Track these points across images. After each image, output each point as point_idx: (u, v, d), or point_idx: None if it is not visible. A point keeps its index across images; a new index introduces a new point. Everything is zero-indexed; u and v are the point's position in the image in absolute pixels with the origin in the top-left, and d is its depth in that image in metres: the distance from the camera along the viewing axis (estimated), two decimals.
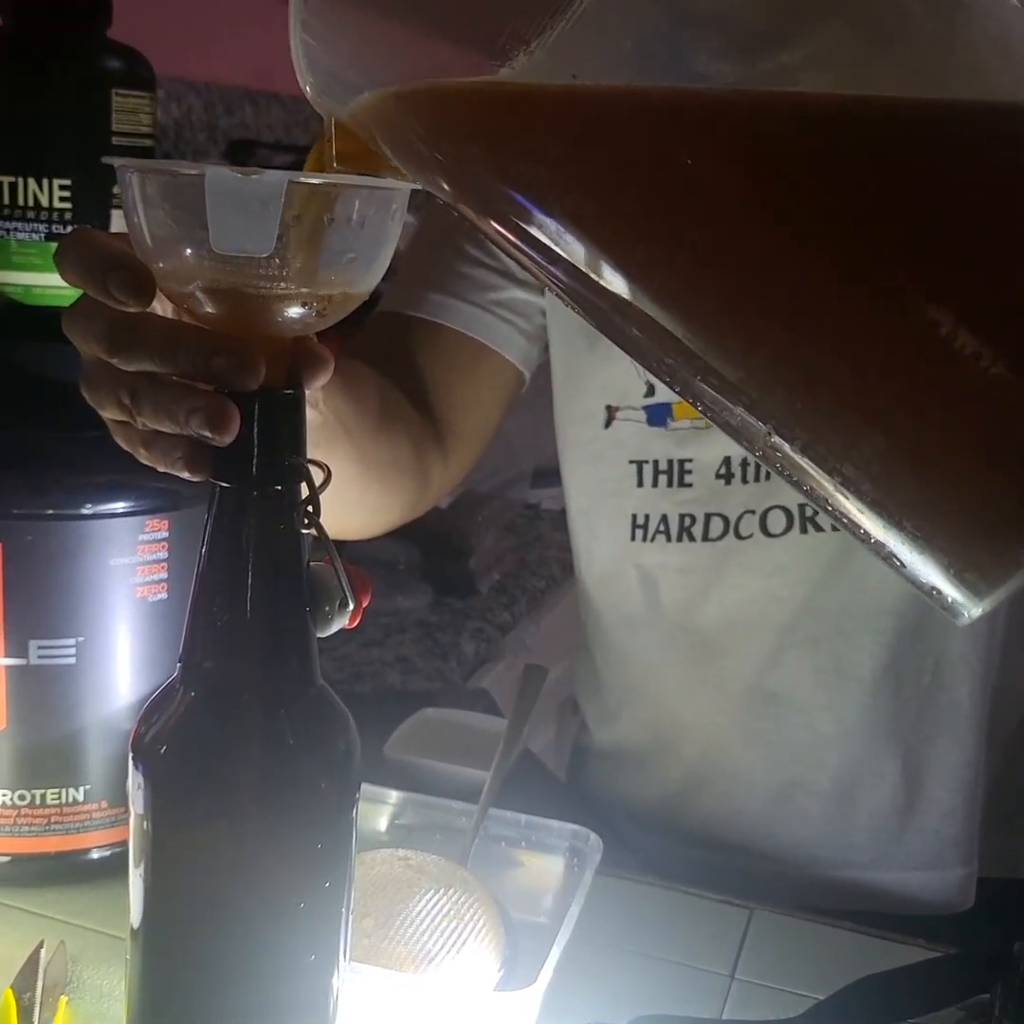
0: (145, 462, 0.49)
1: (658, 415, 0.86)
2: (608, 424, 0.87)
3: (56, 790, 0.69)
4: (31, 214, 0.69)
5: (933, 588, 0.38)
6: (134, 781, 0.47)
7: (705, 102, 0.36)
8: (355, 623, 0.47)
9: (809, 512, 0.83)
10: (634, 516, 0.88)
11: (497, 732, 0.82)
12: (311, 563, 0.47)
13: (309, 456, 0.46)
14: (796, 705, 0.87)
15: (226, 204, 0.42)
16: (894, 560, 0.38)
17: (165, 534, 0.68)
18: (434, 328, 0.87)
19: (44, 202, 0.69)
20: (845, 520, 0.39)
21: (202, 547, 0.46)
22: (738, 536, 0.85)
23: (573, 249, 0.38)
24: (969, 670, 0.85)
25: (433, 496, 0.89)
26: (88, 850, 0.71)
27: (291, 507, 0.46)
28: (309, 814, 0.47)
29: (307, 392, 0.47)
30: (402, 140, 0.41)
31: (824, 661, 0.86)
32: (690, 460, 0.85)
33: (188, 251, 0.43)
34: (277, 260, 0.43)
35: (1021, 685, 0.90)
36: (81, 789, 0.69)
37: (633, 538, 0.88)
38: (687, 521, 0.86)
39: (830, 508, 0.39)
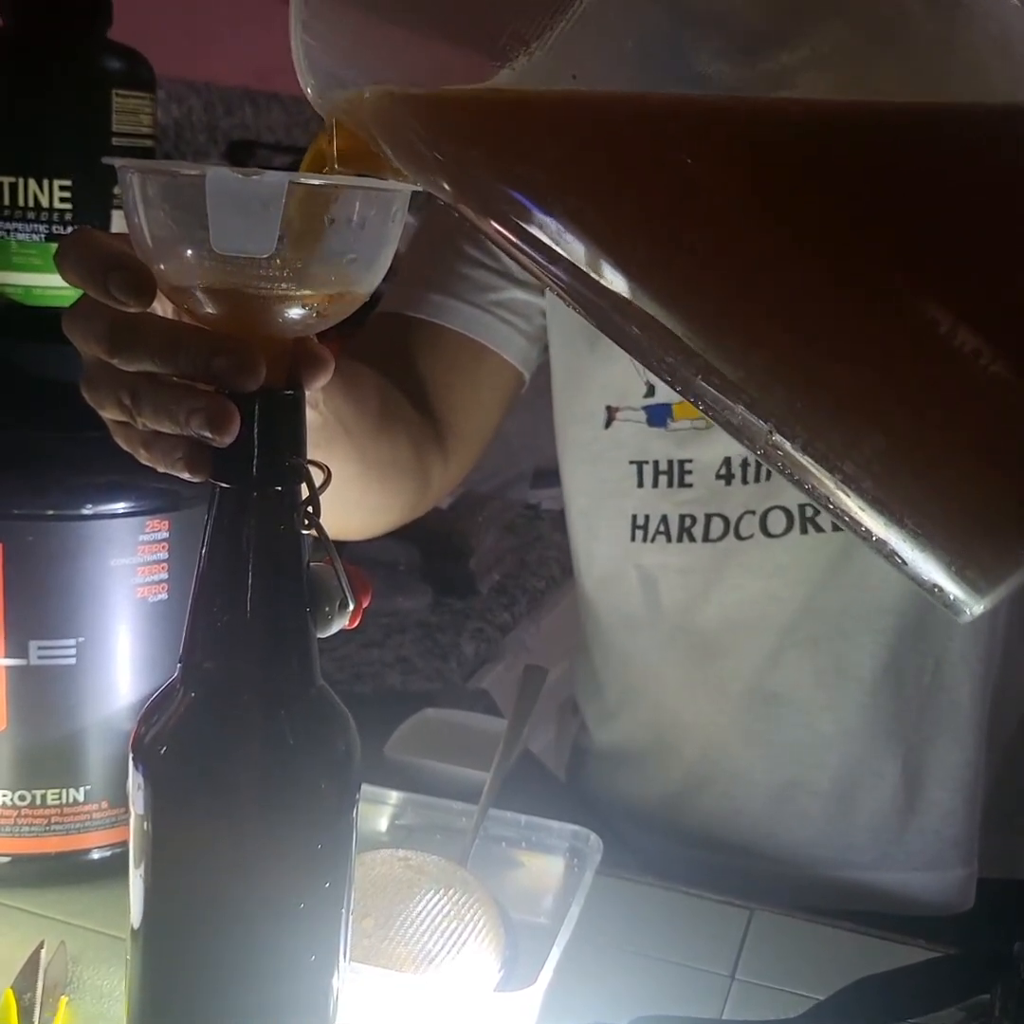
0: (145, 463, 0.49)
1: (658, 415, 0.86)
2: (608, 424, 0.87)
3: (56, 790, 0.69)
4: (31, 215, 0.69)
5: (934, 585, 0.38)
6: (134, 781, 0.47)
7: (702, 109, 0.36)
8: (355, 624, 0.47)
9: (809, 512, 0.83)
10: (634, 516, 0.88)
11: (497, 733, 0.82)
12: (311, 564, 0.47)
13: (309, 457, 0.46)
14: (796, 705, 0.87)
15: (226, 205, 0.42)
16: (895, 558, 0.39)
17: (165, 534, 0.68)
18: (434, 329, 0.87)
19: (44, 203, 0.69)
20: (846, 518, 0.39)
21: (202, 548, 0.46)
22: (738, 536, 0.85)
23: (573, 249, 0.38)
24: (969, 670, 0.85)
25: (433, 496, 0.89)
26: (88, 850, 0.71)
27: (291, 508, 0.46)
28: (309, 815, 0.47)
29: (307, 393, 0.47)
30: (402, 141, 0.41)
31: (824, 661, 0.86)
32: (690, 460, 0.85)
33: (189, 252, 0.43)
34: (277, 261, 0.43)
35: (1021, 685, 0.90)
36: (81, 789, 0.69)
37: (633, 538, 0.88)
38: (687, 521, 0.86)
39: (831, 506, 0.39)
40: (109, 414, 0.49)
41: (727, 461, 0.84)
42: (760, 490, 0.84)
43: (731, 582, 0.86)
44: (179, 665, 0.47)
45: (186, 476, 0.47)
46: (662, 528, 0.87)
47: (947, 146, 0.36)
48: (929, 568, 0.38)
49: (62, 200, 0.69)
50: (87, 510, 0.66)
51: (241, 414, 0.44)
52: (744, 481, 0.84)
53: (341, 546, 0.47)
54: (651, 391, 0.85)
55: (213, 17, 1.68)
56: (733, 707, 0.89)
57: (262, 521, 0.45)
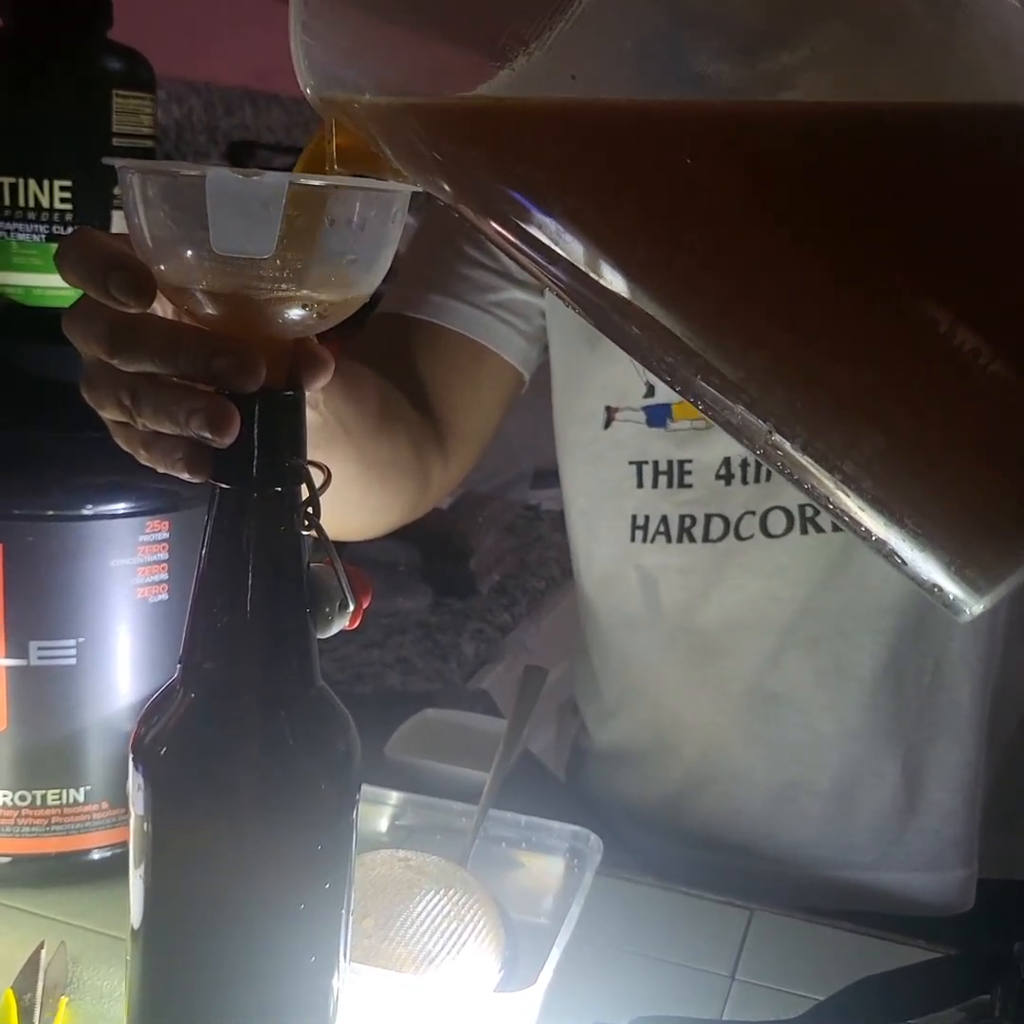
0: (145, 463, 0.49)
1: (658, 416, 0.86)
2: (608, 425, 0.87)
3: (57, 791, 0.69)
4: (32, 215, 0.69)
5: (934, 585, 0.38)
6: (134, 782, 0.47)
7: (702, 109, 0.36)
8: (355, 624, 0.47)
9: (810, 513, 0.83)
10: (634, 517, 0.88)
11: (497, 733, 0.82)
12: (311, 564, 0.47)
13: (309, 457, 0.46)
14: (796, 705, 0.87)
15: (227, 205, 0.42)
16: (895, 557, 0.39)
17: (165, 535, 0.68)
18: (434, 329, 0.87)
19: (45, 203, 0.69)
20: (846, 518, 0.39)
21: (202, 548, 0.46)
22: (738, 537, 0.85)
23: (573, 249, 0.38)
24: (969, 670, 0.85)
25: (433, 497, 0.89)
26: (88, 851, 0.71)
27: (291, 508, 0.46)
28: (309, 815, 0.47)
29: (307, 393, 0.47)
30: (402, 141, 0.41)
31: (824, 661, 0.86)
32: (690, 461, 0.85)
33: (189, 252, 0.43)
34: (277, 262, 0.43)
35: (1021, 685, 0.90)
36: (81, 790, 0.69)
37: (633, 539, 0.88)
38: (687, 522, 0.86)
39: (831, 506, 0.39)
40: (109, 414, 0.49)
41: (727, 461, 0.84)
42: (760, 490, 0.84)
43: (731, 582, 0.86)
44: (179, 666, 0.47)
45: (186, 477, 0.47)
46: (662, 528, 0.87)
47: (947, 146, 0.36)
48: (929, 568, 0.38)
49: (62, 200, 0.69)
50: (87, 510, 0.66)
51: (241, 415, 0.44)
52: (744, 481, 0.84)
53: (341, 547, 0.47)
54: (651, 391, 0.85)
55: (213, 17, 1.68)
56: (733, 707, 0.89)
57: (262, 522, 0.45)
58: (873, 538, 0.39)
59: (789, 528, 0.84)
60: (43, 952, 0.63)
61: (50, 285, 0.70)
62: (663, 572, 0.89)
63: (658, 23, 0.38)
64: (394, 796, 0.74)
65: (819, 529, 0.83)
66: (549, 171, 0.38)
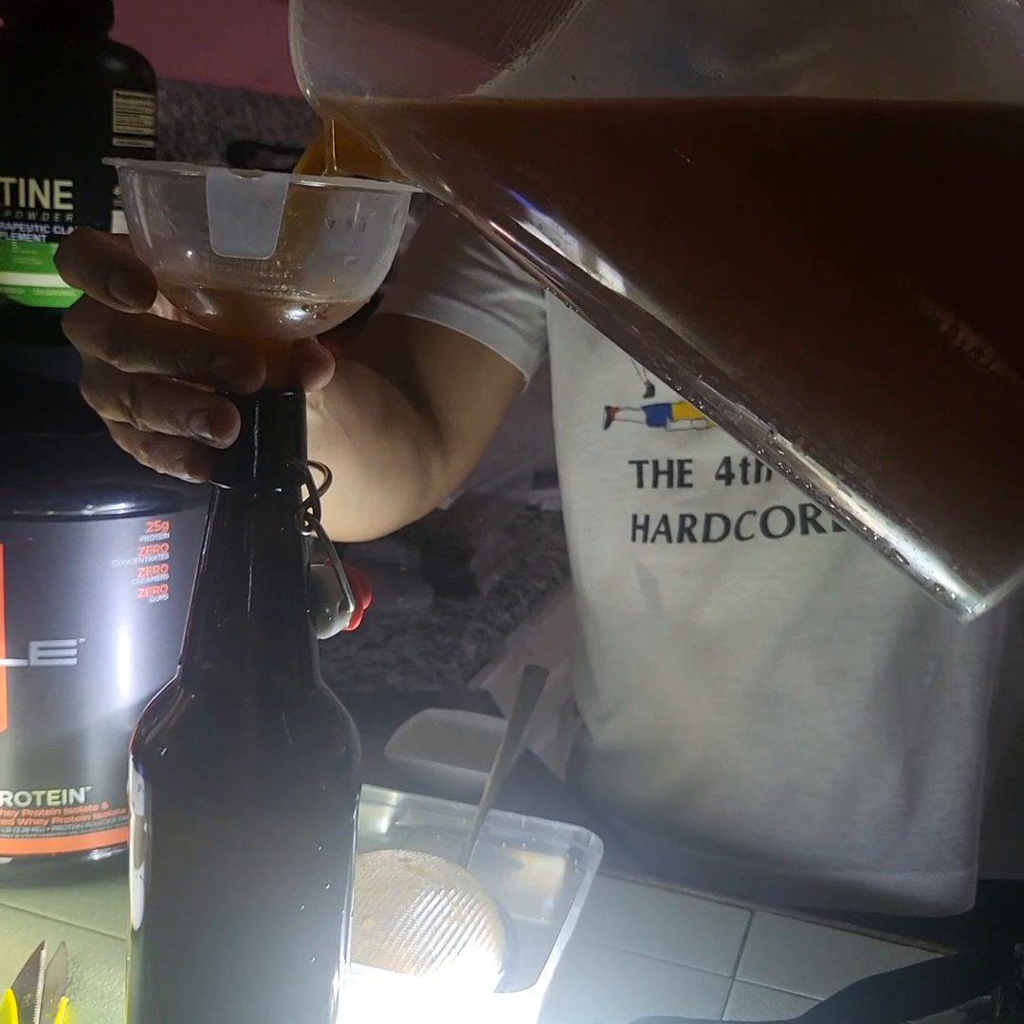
0: (145, 464, 0.49)
1: (657, 415, 0.86)
2: (608, 425, 0.87)
3: (57, 791, 0.69)
4: (32, 215, 0.69)
5: (936, 585, 0.38)
6: (135, 782, 0.47)
7: (703, 109, 0.36)
8: (356, 625, 0.47)
9: (810, 513, 0.83)
10: (634, 517, 0.88)
11: (498, 733, 0.82)
12: (312, 565, 0.47)
13: (310, 458, 0.46)
14: (797, 706, 0.87)
15: (227, 206, 0.42)
16: (897, 557, 0.39)
17: (166, 535, 0.68)
18: (434, 330, 0.87)
19: (45, 203, 0.69)
20: (848, 517, 0.39)
21: (203, 549, 0.46)
22: (739, 537, 0.85)
23: (574, 249, 0.38)
24: (971, 671, 0.85)
25: (434, 498, 0.89)
26: (89, 851, 0.71)
27: (292, 509, 0.46)
28: (310, 816, 0.47)
29: (308, 394, 0.47)
30: (402, 141, 0.41)
31: (825, 662, 0.86)
32: (690, 461, 0.85)
33: (189, 253, 0.43)
34: (278, 263, 0.43)
35: (1022, 686, 0.90)
36: (82, 790, 0.69)
37: (633, 539, 0.88)
38: (688, 522, 0.86)
39: (832, 506, 0.39)
40: (109, 415, 0.49)
41: (727, 461, 0.84)
42: (760, 490, 0.84)
43: (732, 582, 0.86)
44: (179, 666, 0.47)
45: (186, 477, 0.47)
46: (662, 528, 0.87)
47: (947, 145, 0.36)
48: (931, 567, 0.38)
49: (63, 201, 0.70)
50: (88, 511, 0.66)
51: (241, 415, 0.44)
52: (744, 481, 0.84)
53: (342, 547, 0.47)
54: (651, 391, 0.85)
55: (214, 18, 1.68)
56: (734, 708, 0.89)
57: (263, 522, 0.45)
58: (875, 538, 0.39)
59: (790, 528, 0.84)
60: (43, 953, 0.63)
61: (50, 285, 0.70)
62: (664, 572, 0.89)
63: (658, 23, 0.38)
64: (394, 796, 0.74)
65: (820, 529, 0.83)
66: (550, 170, 0.38)
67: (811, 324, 0.36)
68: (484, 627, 1.51)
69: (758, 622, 0.87)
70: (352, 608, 0.47)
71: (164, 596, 0.69)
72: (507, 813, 0.72)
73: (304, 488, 0.46)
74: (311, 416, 0.47)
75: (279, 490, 0.45)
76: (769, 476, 0.83)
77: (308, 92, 0.42)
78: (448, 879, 0.66)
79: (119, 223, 0.70)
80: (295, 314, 0.45)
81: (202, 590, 0.46)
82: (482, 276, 0.87)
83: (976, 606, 0.38)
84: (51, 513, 0.66)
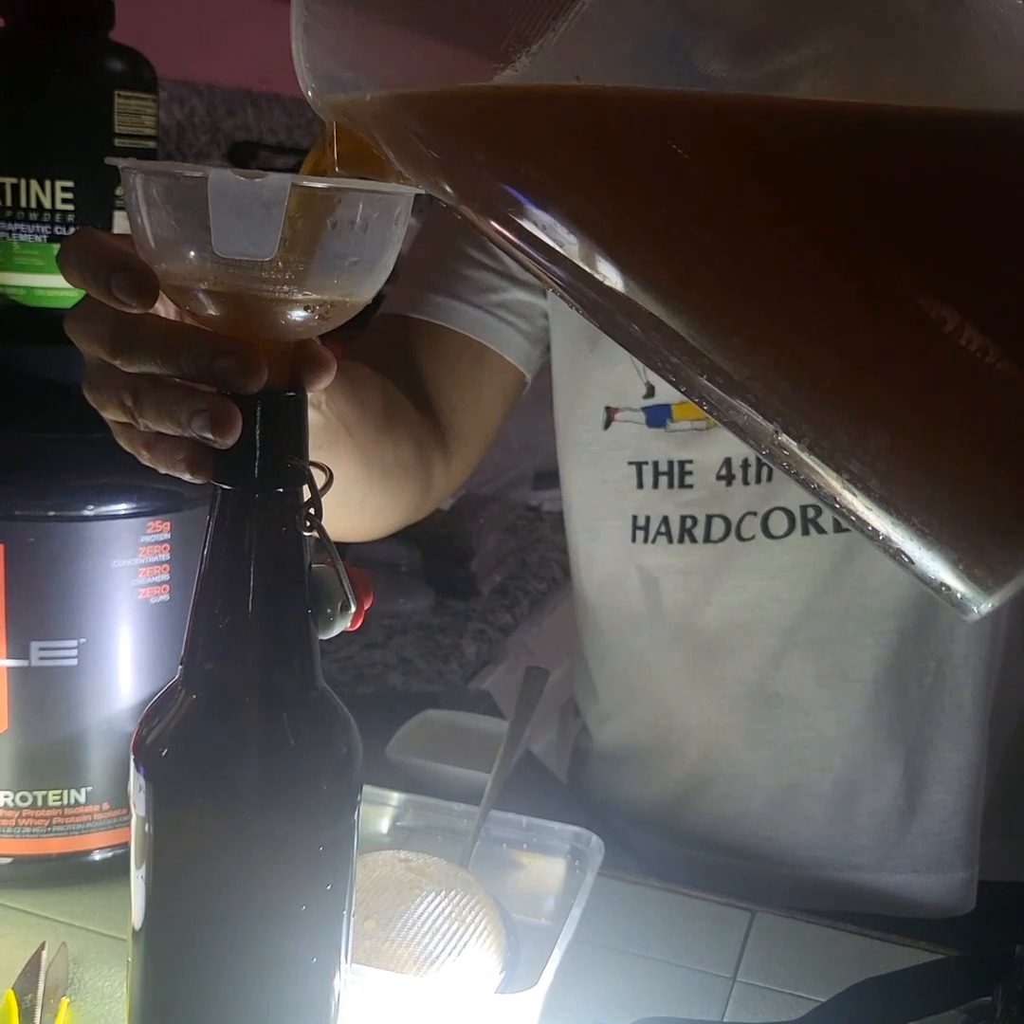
0: (147, 464, 0.49)
1: (657, 416, 0.86)
2: (607, 425, 0.87)
3: (58, 792, 0.69)
4: (33, 215, 0.69)
5: (941, 584, 0.38)
6: (136, 783, 0.47)
7: (705, 108, 0.36)
8: (357, 625, 0.47)
9: (811, 514, 0.83)
10: (634, 517, 0.88)
11: (498, 734, 0.82)
12: (313, 565, 0.47)
13: (311, 458, 0.46)
14: (798, 707, 0.87)
15: (229, 207, 0.42)
16: (902, 557, 0.38)
17: (167, 536, 0.68)
18: (436, 330, 0.87)
19: (46, 203, 0.69)
20: (853, 517, 0.39)
21: (204, 549, 0.46)
22: (740, 538, 0.85)
23: (576, 249, 0.38)
24: (971, 672, 0.85)
25: (435, 498, 0.89)
26: (90, 852, 0.71)
27: (293, 509, 0.46)
28: (311, 816, 0.47)
29: (309, 394, 0.47)
30: (404, 142, 0.41)
31: (826, 663, 0.86)
32: (690, 461, 0.85)
33: (191, 253, 0.43)
34: (279, 263, 0.43)
35: (1023, 687, 0.90)
36: (83, 791, 0.69)
37: (634, 540, 0.88)
38: (688, 522, 0.86)
39: (837, 505, 0.39)
40: (111, 415, 0.49)
41: (727, 462, 0.84)
42: (761, 491, 0.84)
43: (733, 583, 0.86)
44: (181, 666, 0.47)
45: (188, 478, 0.47)
46: (663, 529, 0.87)
47: (948, 146, 0.36)
48: (936, 566, 0.38)
49: (64, 201, 0.70)
50: (89, 511, 0.66)
51: (243, 416, 0.44)
52: (745, 482, 0.84)
53: (343, 548, 0.47)
54: (651, 392, 0.85)
55: (215, 18, 1.68)
56: (735, 708, 0.89)
57: (264, 523, 0.45)
58: (880, 537, 0.39)
59: (791, 529, 0.84)
60: (44, 953, 0.63)
61: (52, 286, 0.70)
62: (664, 573, 0.89)
63: (661, 24, 0.38)
64: (395, 797, 0.74)
65: (821, 530, 0.83)
66: (552, 170, 0.38)
67: (814, 324, 0.36)
68: (485, 628, 1.51)
69: (759, 623, 0.87)
70: (353, 608, 0.47)
71: (165, 597, 0.69)
72: (508, 814, 0.72)
73: (305, 488, 0.46)
74: (313, 416, 0.48)
75: (281, 490, 0.45)
76: (770, 477, 0.83)
77: (310, 93, 0.42)
78: (449, 880, 0.66)
79: (120, 223, 0.70)
80: (297, 315, 0.45)
81: (203, 590, 0.46)
82: (484, 277, 0.87)
83: (982, 605, 0.38)
84: (52, 513, 0.66)
